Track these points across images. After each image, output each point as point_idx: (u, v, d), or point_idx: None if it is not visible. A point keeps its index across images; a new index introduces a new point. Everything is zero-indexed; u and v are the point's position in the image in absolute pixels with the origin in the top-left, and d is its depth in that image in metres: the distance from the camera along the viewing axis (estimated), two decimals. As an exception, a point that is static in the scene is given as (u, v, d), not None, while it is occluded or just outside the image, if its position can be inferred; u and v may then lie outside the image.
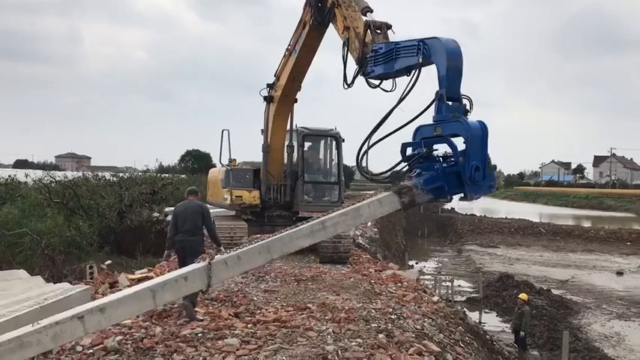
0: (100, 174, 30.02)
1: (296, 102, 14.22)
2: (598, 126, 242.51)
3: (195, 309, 8.12)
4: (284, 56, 13.07)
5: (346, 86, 8.10)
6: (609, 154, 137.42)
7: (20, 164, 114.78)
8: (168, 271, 11.20)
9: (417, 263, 30.32)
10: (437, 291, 19.82)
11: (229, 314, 8.12)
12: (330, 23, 9.81)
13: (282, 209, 14.60)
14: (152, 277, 10.53)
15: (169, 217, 17.23)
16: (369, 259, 15.35)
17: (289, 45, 12.56)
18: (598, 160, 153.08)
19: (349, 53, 8.19)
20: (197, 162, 55.19)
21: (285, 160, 14.64)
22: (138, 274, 11.40)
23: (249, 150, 15.66)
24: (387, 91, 7.32)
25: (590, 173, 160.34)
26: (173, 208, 9.54)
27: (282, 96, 13.66)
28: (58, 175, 27.99)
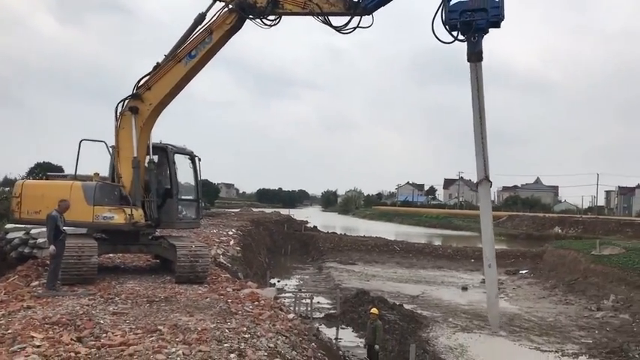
0: None
1: None
2: (448, 151, 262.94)
3: (33, 334, 7.54)
4: (162, 65, 13.10)
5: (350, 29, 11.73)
6: (457, 178, 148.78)
7: None
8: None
9: (278, 281, 30.49)
10: (297, 308, 20.03)
11: (71, 339, 7.55)
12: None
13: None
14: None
15: (9, 235, 15.79)
16: (228, 278, 15.11)
17: (175, 52, 12.96)
18: (448, 183, 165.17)
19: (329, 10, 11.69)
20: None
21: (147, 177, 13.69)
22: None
23: (94, 164, 14.80)
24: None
25: (441, 195, 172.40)
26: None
27: (159, 105, 13.41)
28: None
